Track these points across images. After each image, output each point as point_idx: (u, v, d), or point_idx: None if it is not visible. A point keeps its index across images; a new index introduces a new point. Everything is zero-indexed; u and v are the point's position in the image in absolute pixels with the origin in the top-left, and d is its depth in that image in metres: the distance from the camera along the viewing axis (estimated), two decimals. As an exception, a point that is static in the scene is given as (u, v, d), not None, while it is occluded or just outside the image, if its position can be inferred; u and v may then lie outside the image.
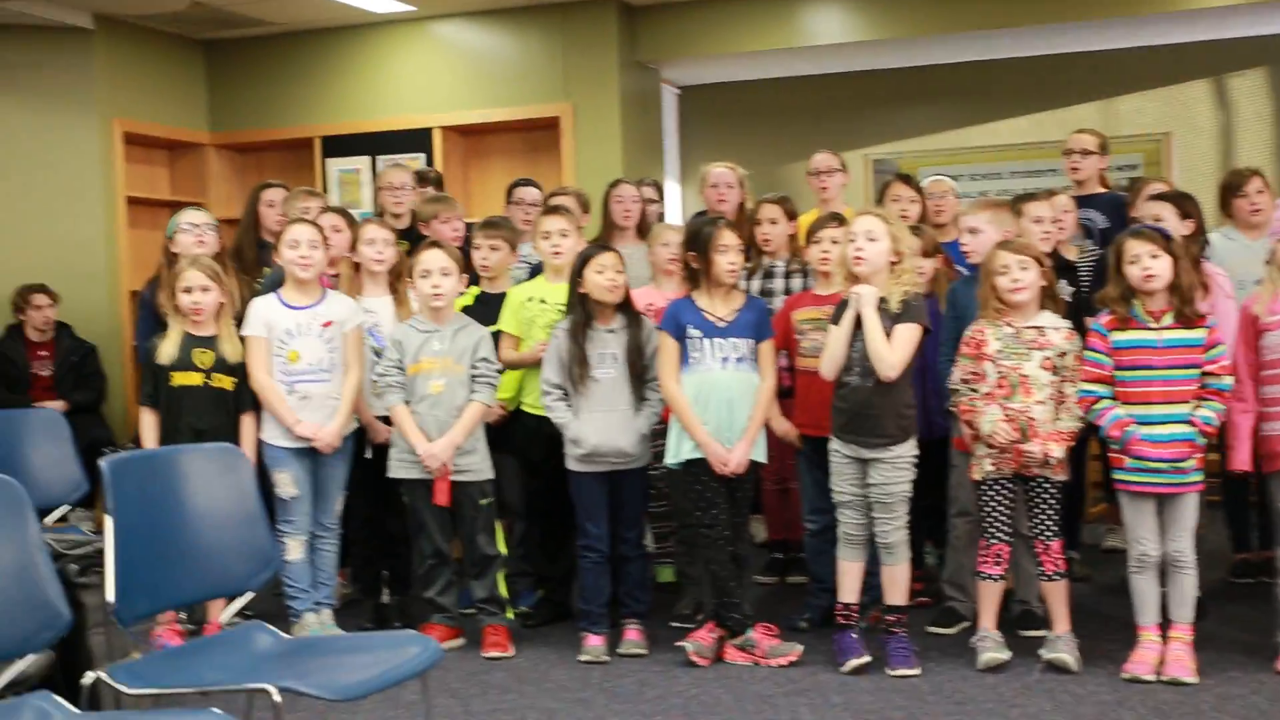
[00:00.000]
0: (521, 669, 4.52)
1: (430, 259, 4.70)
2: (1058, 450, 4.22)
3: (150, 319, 5.25)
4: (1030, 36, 7.64)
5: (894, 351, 4.25)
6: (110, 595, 2.88)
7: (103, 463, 2.97)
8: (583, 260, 4.62)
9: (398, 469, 4.73)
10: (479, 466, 4.73)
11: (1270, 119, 7.93)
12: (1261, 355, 4.26)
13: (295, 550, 4.75)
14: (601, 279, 4.57)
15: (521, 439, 5.03)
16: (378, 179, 6.09)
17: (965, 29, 7.43)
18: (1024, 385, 4.25)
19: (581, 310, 4.61)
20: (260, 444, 4.77)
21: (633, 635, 4.66)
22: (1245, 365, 4.27)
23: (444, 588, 4.78)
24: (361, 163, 8.06)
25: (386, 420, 4.93)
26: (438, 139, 7.93)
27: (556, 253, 4.96)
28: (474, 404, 4.68)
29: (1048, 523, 4.29)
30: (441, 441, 4.62)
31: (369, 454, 5.01)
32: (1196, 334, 4.12)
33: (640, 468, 4.70)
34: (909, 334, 4.29)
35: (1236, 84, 8.00)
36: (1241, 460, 4.30)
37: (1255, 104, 7.97)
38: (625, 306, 4.68)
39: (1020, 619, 4.64)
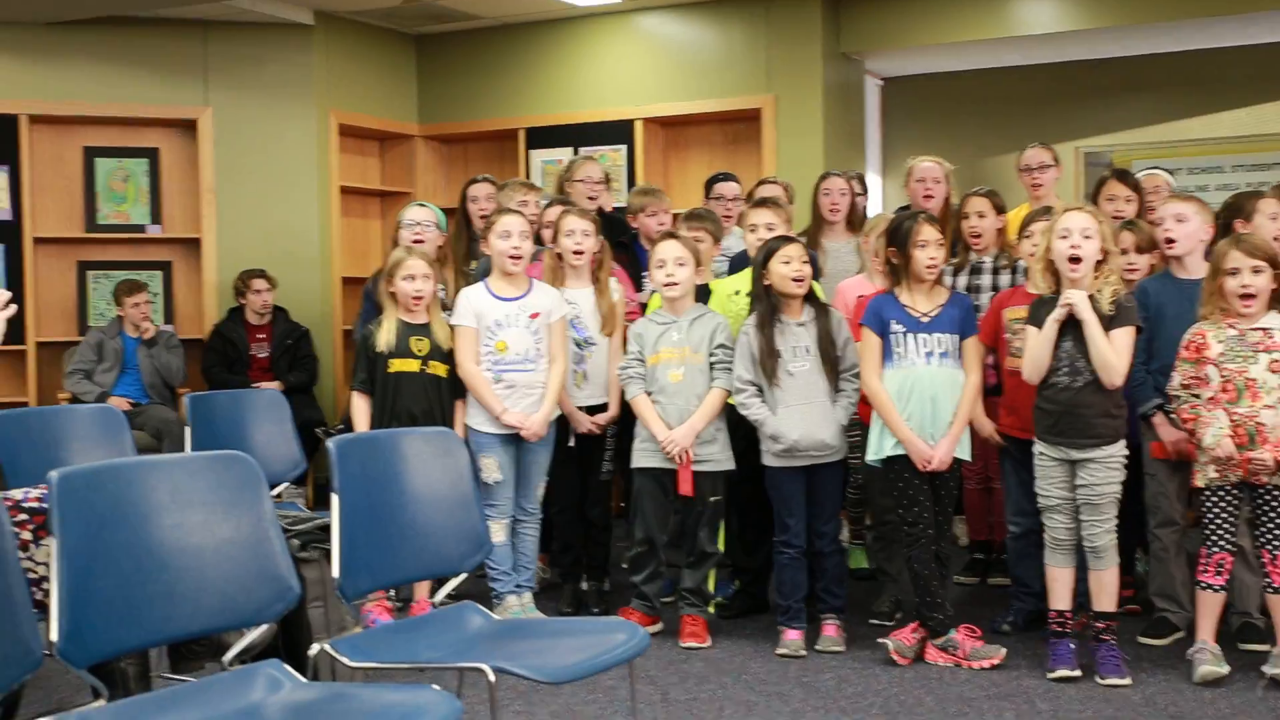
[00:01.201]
0: (719, 660, 4.53)
1: (666, 250, 4.77)
2: None
3: (373, 308, 5.42)
4: (1254, 23, 7.29)
5: (1120, 358, 4.13)
6: (335, 571, 2.99)
7: (329, 443, 3.08)
8: (767, 252, 4.61)
9: (640, 458, 4.79)
10: (719, 456, 4.76)
11: None
12: None
13: (498, 533, 4.86)
14: (787, 270, 4.55)
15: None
16: (570, 171, 6.03)
17: (1183, 17, 7.14)
18: (1251, 389, 4.07)
19: (767, 303, 4.59)
20: (466, 429, 4.88)
21: (830, 631, 4.63)
22: None
23: (650, 576, 4.83)
24: (565, 154, 8.17)
25: (594, 410, 5.01)
26: (639, 130, 8.00)
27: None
28: (715, 390, 4.71)
29: (1277, 532, 4.10)
30: (683, 427, 4.67)
31: (572, 442, 5.09)
32: None
33: (837, 461, 4.67)
34: (1128, 338, 4.16)
35: None
36: None
37: None
38: (812, 297, 4.65)
39: (1240, 632, 4.45)
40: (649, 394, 4.75)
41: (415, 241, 5.31)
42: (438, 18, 8.17)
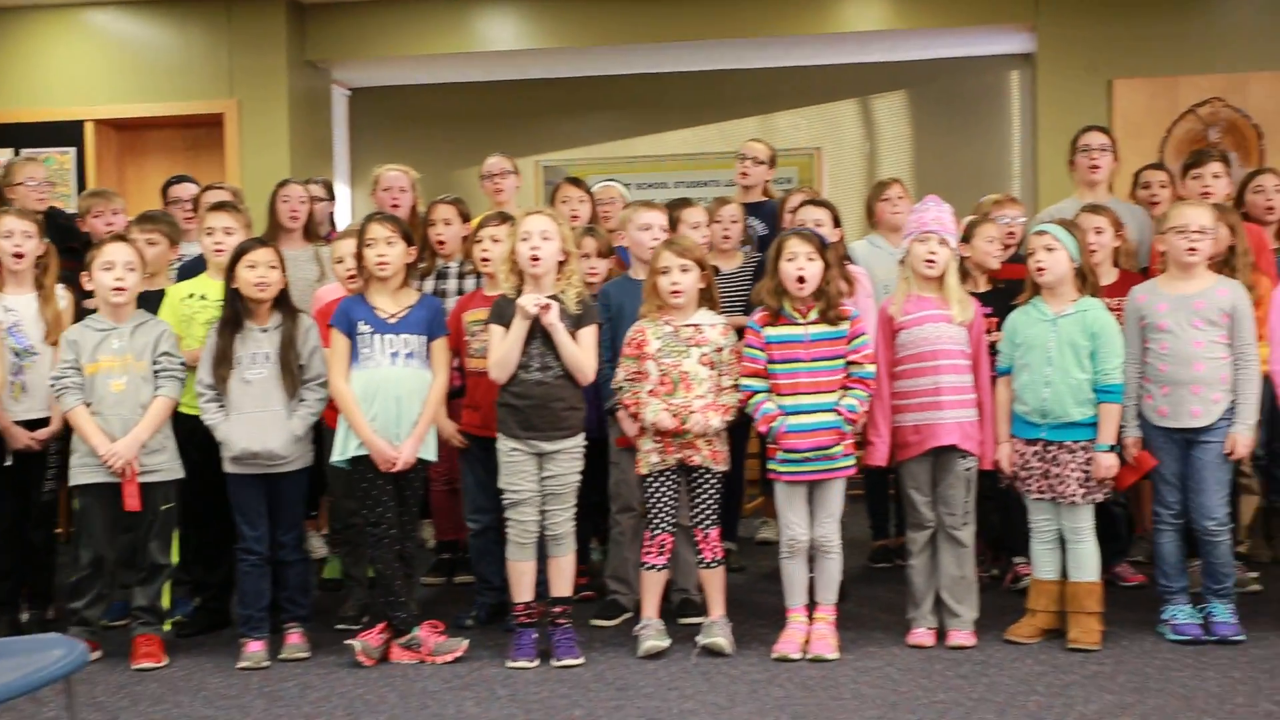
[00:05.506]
0: (175, 679, 4.34)
1: (115, 252, 4.52)
2: (716, 419, 4.38)
3: None
4: (695, 51, 7.94)
5: (588, 356, 4.35)
6: None
7: None
8: (235, 256, 4.52)
9: (79, 474, 4.48)
10: (168, 466, 4.56)
11: (909, 139, 8.52)
12: (896, 353, 4.53)
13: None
14: (251, 275, 4.48)
15: (178, 442, 4.84)
16: (10, 174, 5.72)
17: (633, 41, 7.67)
18: (685, 381, 4.40)
19: (231, 308, 4.50)
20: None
21: (295, 639, 4.56)
22: (884, 363, 4.52)
23: (93, 600, 4.54)
24: (4, 155, 7.57)
25: (33, 425, 4.66)
26: (90, 132, 7.57)
27: (219, 250, 4.83)
28: (160, 399, 4.51)
29: (707, 512, 4.45)
30: (126, 440, 4.42)
31: (9, 461, 4.71)
32: (840, 327, 4.38)
33: (299, 469, 4.61)
34: (592, 336, 4.41)
35: (880, 105, 8.55)
36: (880, 456, 4.53)
37: (896, 125, 8.54)
38: (282, 304, 4.59)
39: (680, 608, 4.79)
40: (87, 405, 4.48)
41: None
42: None
